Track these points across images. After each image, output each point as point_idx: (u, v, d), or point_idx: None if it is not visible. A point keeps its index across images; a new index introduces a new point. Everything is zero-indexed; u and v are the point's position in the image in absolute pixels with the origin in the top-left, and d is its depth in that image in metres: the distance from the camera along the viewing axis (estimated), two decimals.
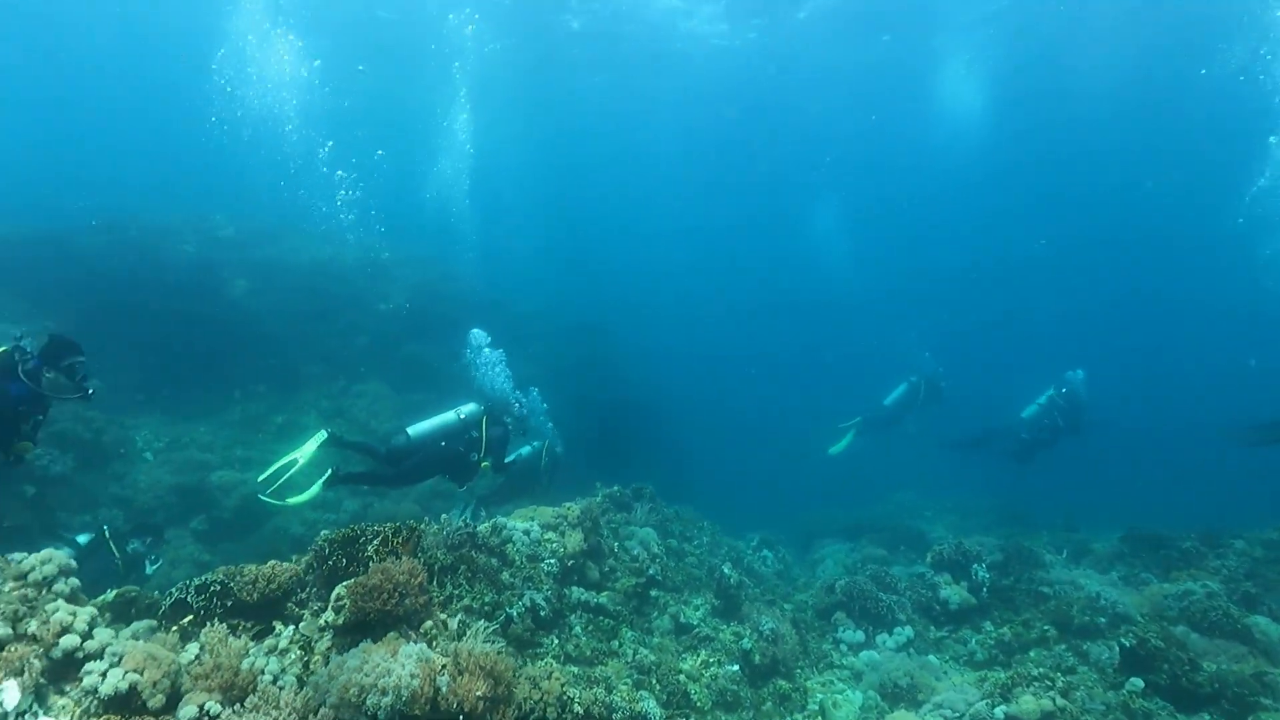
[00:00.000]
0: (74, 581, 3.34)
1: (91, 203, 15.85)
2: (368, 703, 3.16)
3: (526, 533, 6.65)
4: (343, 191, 16.50)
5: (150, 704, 2.98)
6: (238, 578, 4.54)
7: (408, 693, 3.21)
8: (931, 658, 7.25)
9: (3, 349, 4.85)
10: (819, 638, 7.69)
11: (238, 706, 3.07)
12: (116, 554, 6.68)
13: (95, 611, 3.19)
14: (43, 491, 8.60)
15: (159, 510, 9.61)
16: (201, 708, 3.09)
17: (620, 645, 6.03)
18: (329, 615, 3.88)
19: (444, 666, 3.51)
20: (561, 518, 7.10)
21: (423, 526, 4.97)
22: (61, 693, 2.91)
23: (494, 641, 4.48)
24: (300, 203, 16.36)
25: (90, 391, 5.20)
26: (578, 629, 6.02)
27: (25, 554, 3.32)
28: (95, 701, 2.87)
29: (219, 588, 4.33)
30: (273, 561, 4.75)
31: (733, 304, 44.60)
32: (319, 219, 18.26)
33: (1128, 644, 6.06)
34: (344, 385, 13.87)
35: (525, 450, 9.90)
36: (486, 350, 9.20)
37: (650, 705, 4.70)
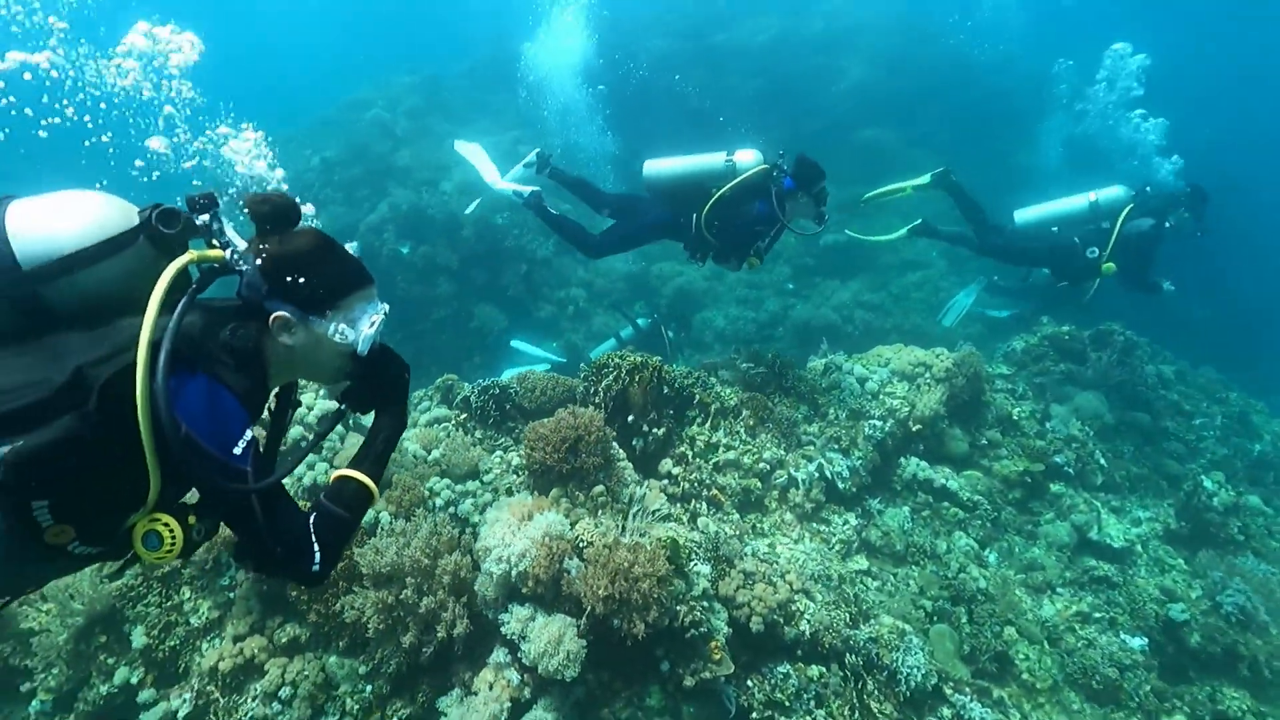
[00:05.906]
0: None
1: None
2: (487, 567, 2.94)
3: (863, 380, 5.29)
4: None
5: None
6: (523, 383, 4.78)
7: (515, 571, 2.85)
8: None
9: (762, 167, 4.50)
10: None
11: (398, 523, 3.20)
12: (666, 336, 8.01)
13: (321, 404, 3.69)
14: (530, 270, 10.86)
15: (611, 292, 11.17)
16: (376, 515, 3.34)
17: (949, 551, 4.49)
18: (519, 452, 3.72)
19: (584, 547, 3.01)
20: (925, 366, 5.41)
21: (669, 366, 4.29)
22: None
23: (719, 519, 3.72)
24: None
25: (827, 220, 4.59)
26: (898, 513, 4.68)
27: None
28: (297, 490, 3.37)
29: (497, 391, 4.62)
30: (554, 374, 4.84)
31: None
32: None
33: None
34: None
35: None
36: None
37: (916, 660, 3.34)
